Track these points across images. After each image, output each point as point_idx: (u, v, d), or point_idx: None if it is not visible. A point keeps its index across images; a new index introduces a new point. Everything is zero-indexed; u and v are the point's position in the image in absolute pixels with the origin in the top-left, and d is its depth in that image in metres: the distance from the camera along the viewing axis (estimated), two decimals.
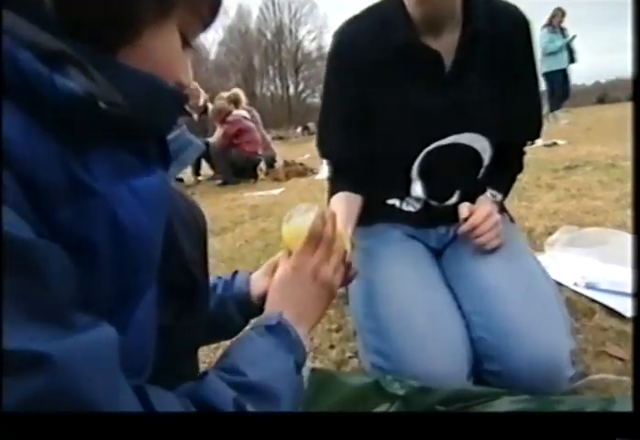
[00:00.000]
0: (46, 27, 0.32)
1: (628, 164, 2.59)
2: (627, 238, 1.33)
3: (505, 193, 1.00)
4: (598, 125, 5.40)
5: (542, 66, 6.01)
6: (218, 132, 4.32)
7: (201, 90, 4.63)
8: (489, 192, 0.96)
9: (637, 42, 0.57)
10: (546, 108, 6.62)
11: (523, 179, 2.53)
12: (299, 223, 0.61)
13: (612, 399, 0.66)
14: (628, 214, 1.66)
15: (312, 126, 16.31)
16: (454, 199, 0.96)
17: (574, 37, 5.91)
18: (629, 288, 1.06)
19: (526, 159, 1.02)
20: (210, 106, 4.59)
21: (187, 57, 0.44)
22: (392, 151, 0.92)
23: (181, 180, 5.07)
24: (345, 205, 0.92)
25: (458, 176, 0.94)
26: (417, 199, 0.97)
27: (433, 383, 0.69)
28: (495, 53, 0.87)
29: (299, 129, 19.54)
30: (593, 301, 1.07)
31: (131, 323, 0.38)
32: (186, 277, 0.46)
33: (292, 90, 34.15)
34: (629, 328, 0.94)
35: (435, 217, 0.98)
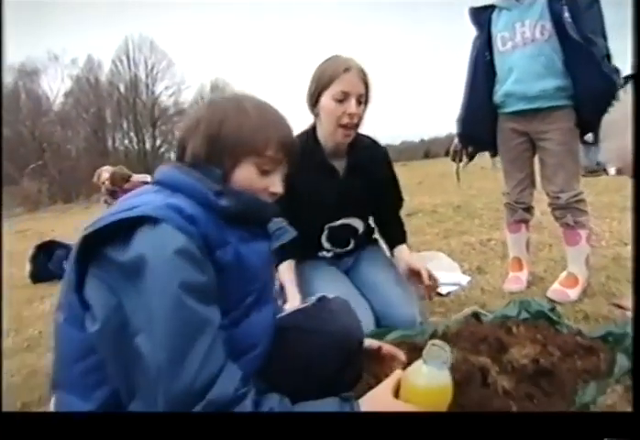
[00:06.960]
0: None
1: (445, 210, 3.76)
2: (442, 256, 2.28)
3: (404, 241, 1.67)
4: (427, 178, 7.02)
5: None
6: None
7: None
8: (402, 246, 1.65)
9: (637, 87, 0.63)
10: None
11: None
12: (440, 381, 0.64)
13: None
14: (446, 242, 2.66)
15: None
16: (350, 246, 1.68)
17: None
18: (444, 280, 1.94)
19: None
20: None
21: (276, 175, 0.78)
22: (307, 229, 1.34)
23: None
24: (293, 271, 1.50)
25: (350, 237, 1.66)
26: (328, 251, 1.66)
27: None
28: (365, 170, 1.57)
29: None
30: None
31: (245, 320, 0.71)
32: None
33: (148, 145, 33.42)
34: (446, 299, 1.80)
35: (341, 256, 1.67)
